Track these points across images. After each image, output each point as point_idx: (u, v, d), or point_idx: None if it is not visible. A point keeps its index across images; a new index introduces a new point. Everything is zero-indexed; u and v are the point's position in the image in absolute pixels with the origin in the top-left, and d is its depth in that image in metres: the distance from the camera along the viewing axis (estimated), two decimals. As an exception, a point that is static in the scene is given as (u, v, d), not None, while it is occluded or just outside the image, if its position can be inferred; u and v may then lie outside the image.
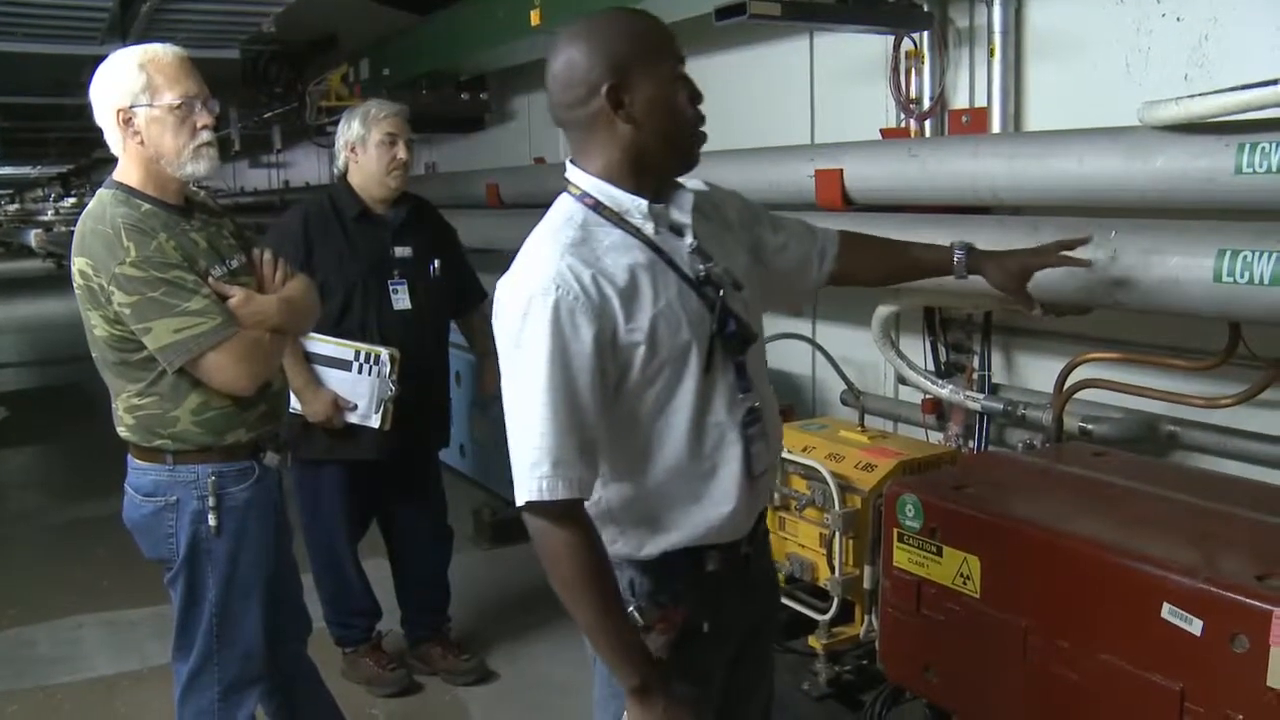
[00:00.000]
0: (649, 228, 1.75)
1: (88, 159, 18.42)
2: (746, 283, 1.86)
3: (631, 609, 1.76)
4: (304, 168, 10.80)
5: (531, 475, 1.64)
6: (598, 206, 1.75)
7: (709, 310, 1.76)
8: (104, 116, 2.39)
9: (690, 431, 1.76)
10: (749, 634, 1.98)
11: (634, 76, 1.71)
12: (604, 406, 1.69)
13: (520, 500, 1.66)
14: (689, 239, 1.80)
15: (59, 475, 7.09)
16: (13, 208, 40.35)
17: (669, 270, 1.74)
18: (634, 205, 1.75)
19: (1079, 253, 2.28)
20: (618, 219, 1.74)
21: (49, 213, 32.68)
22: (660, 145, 1.75)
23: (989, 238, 2.73)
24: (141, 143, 2.38)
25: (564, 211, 1.76)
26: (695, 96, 1.78)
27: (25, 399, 9.94)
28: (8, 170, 21.46)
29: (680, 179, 1.84)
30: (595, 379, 1.66)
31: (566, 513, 1.66)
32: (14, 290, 20.97)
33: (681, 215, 1.80)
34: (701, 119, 1.79)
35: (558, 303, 1.63)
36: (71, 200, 28.91)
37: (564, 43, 1.75)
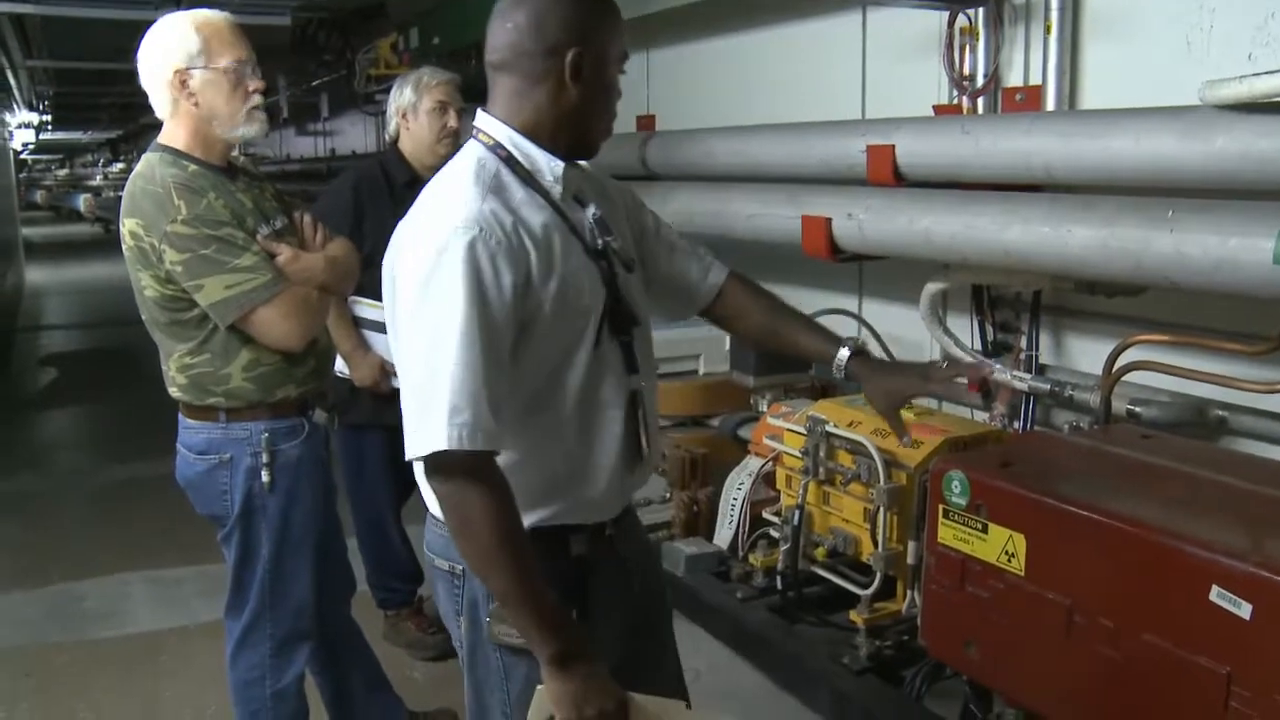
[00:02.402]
0: (557, 190, 1.72)
1: (136, 124, 18.61)
2: (637, 266, 1.85)
3: None
4: (351, 136, 10.85)
5: (450, 423, 1.54)
6: (509, 160, 1.71)
7: (605, 284, 1.74)
8: (156, 78, 2.41)
9: (576, 403, 1.73)
10: (635, 616, 1.94)
11: (595, 50, 1.69)
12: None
13: (431, 448, 1.56)
14: (591, 209, 1.77)
15: (106, 436, 7.21)
16: (63, 172, 40.85)
17: (572, 236, 1.72)
18: (548, 165, 1.72)
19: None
20: (527, 176, 1.71)
21: (98, 178, 33.08)
22: (588, 121, 1.74)
23: (1041, 215, 2.72)
24: (196, 104, 2.41)
25: (476, 158, 1.71)
26: (619, 91, 1.78)
27: (73, 360, 10.12)
28: (59, 135, 21.69)
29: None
30: (511, 328, 1.61)
31: (483, 467, 1.59)
32: (63, 254, 21.28)
33: (586, 186, 1.80)
34: (615, 110, 1.79)
35: (475, 242, 1.57)
36: (120, 165, 29.22)
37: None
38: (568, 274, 1.68)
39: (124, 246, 2.42)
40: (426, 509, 1.87)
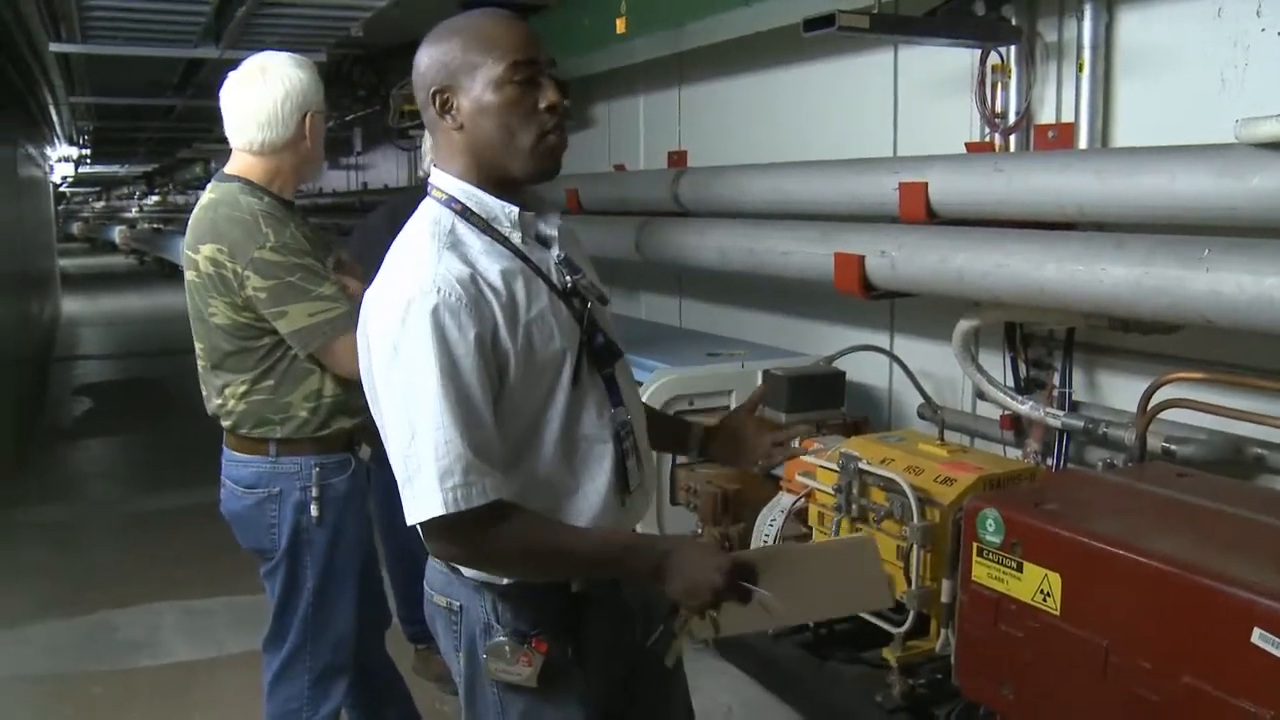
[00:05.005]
0: (516, 236, 1.71)
1: (172, 158, 18.84)
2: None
3: (500, 639, 1.74)
4: (383, 170, 10.93)
5: (442, 487, 1.55)
6: (465, 212, 1.70)
7: (578, 322, 1.73)
8: (289, 117, 2.47)
9: (558, 444, 1.71)
10: (637, 658, 1.87)
11: (461, 79, 1.65)
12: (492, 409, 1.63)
13: (426, 515, 1.57)
14: (555, 250, 1.76)
15: (139, 466, 7.27)
16: (99, 205, 41.37)
17: (538, 279, 1.70)
18: (503, 212, 1.70)
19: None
20: (485, 225, 1.70)
21: (133, 210, 33.48)
22: (494, 151, 1.68)
23: (1075, 254, 2.72)
24: (309, 144, 2.50)
25: (432, 216, 1.71)
26: (541, 98, 1.67)
27: (107, 390, 10.20)
28: (98, 168, 22.00)
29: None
30: (485, 380, 1.60)
31: (490, 514, 1.59)
32: (98, 285, 21.52)
33: (548, 228, 1.77)
34: (550, 123, 1.69)
35: (439, 305, 1.57)
36: (155, 198, 29.56)
37: (420, 45, 1.72)
38: (534, 319, 1.67)
39: (193, 274, 2.44)
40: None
